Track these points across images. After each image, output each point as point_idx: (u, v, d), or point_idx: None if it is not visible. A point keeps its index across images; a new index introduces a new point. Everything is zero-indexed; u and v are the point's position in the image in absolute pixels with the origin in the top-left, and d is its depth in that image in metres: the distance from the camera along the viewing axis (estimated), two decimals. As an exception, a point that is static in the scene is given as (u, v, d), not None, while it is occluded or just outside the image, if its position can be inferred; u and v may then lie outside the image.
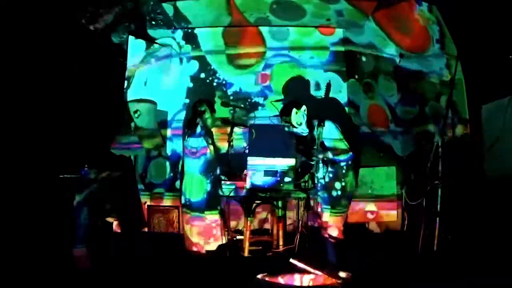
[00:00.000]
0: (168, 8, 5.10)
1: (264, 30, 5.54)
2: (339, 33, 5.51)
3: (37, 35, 4.09)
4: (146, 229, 5.00)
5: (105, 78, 4.88)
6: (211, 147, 4.41)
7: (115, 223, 4.62)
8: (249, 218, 4.30)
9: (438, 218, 4.01)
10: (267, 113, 5.25)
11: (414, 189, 4.43)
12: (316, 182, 3.80)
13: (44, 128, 4.08)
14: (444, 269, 3.69)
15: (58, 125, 4.20)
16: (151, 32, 5.47)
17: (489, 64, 4.21)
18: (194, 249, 4.28)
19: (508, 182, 3.86)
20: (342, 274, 3.20)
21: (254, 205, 4.33)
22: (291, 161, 4.13)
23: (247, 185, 4.17)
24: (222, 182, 4.39)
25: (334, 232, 3.66)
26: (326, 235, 3.67)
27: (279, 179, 4.12)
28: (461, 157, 4.29)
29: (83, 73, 4.56)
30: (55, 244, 3.75)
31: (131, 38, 5.31)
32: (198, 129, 4.32)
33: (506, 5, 3.90)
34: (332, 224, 3.71)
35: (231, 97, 5.44)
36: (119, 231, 4.60)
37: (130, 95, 5.32)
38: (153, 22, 5.27)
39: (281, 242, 4.35)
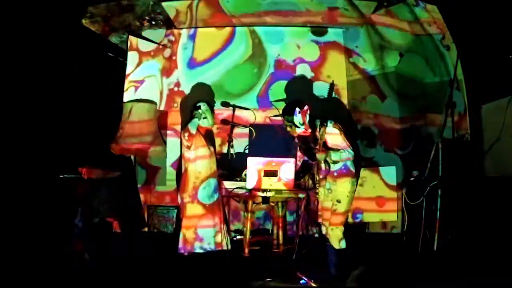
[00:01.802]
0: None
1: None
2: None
3: (37, 35, 4.08)
4: (146, 229, 5.00)
5: (105, 78, 4.88)
6: (211, 148, 4.40)
7: (115, 223, 4.62)
8: (249, 219, 4.30)
9: (438, 218, 4.02)
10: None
11: (414, 189, 4.43)
12: (316, 182, 3.79)
13: (44, 128, 4.08)
14: (444, 269, 3.69)
15: (58, 125, 4.19)
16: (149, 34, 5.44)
17: (489, 64, 4.21)
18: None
19: (508, 182, 3.85)
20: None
21: (254, 205, 4.33)
22: (291, 161, 4.13)
23: (247, 185, 4.17)
24: (223, 182, 4.40)
25: (334, 233, 3.64)
26: (326, 237, 3.66)
27: (279, 179, 4.12)
28: (461, 157, 4.29)
29: (83, 73, 4.56)
30: (55, 244, 3.75)
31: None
32: (197, 130, 4.31)
33: (506, 5, 3.90)
34: (332, 225, 3.69)
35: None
36: (119, 231, 4.60)
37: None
38: (153, 22, 5.26)
39: (281, 242, 4.35)
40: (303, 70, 5.43)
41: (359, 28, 5.34)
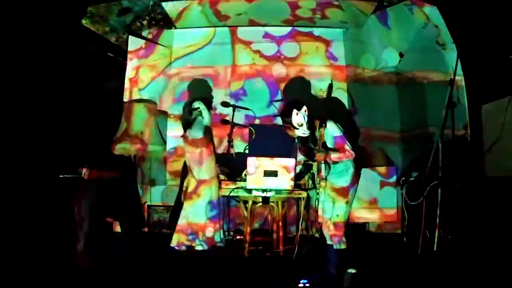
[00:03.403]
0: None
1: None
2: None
3: (37, 35, 4.09)
4: (146, 229, 5.00)
5: (105, 78, 4.88)
6: (211, 147, 4.40)
7: (115, 223, 4.62)
8: (249, 218, 4.30)
9: (438, 218, 4.02)
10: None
11: (414, 189, 4.43)
12: (316, 182, 3.78)
13: (44, 128, 4.09)
14: (444, 269, 3.69)
15: (58, 125, 4.20)
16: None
17: (489, 64, 4.21)
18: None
19: (508, 182, 3.85)
20: None
21: (254, 205, 4.33)
22: (291, 161, 4.13)
23: (247, 185, 4.17)
24: (222, 182, 4.40)
25: (334, 233, 3.63)
26: (327, 238, 3.65)
27: (279, 179, 4.12)
28: (461, 157, 4.29)
29: (83, 73, 4.56)
30: (55, 244, 3.75)
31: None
32: (197, 129, 4.32)
33: (506, 5, 3.90)
34: (332, 226, 3.68)
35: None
36: (119, 231, 4.60)
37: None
38: (153, 22, 5.26)
39: (280, 243, 4.35)
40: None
41: (354, 28, 5.35)
